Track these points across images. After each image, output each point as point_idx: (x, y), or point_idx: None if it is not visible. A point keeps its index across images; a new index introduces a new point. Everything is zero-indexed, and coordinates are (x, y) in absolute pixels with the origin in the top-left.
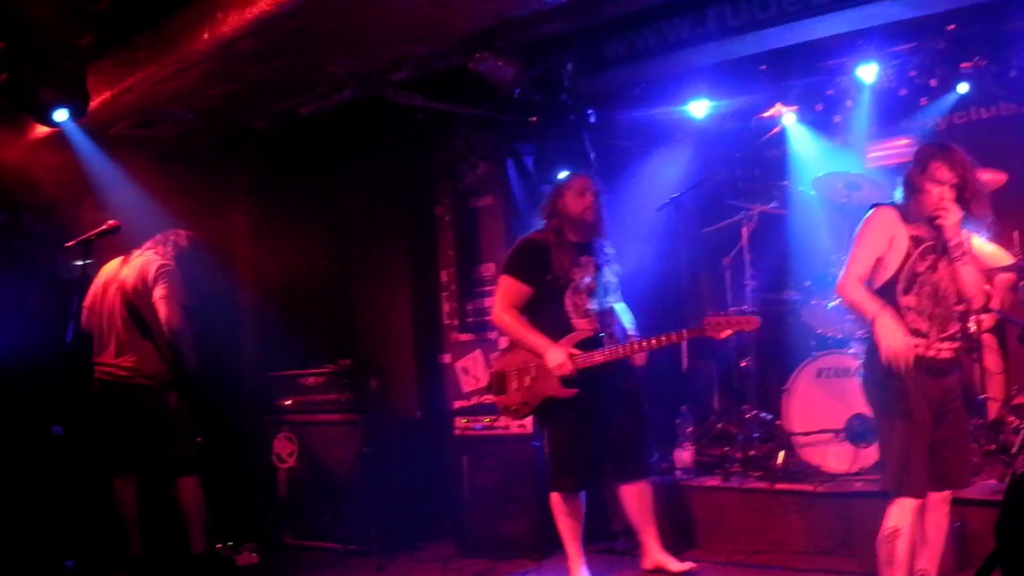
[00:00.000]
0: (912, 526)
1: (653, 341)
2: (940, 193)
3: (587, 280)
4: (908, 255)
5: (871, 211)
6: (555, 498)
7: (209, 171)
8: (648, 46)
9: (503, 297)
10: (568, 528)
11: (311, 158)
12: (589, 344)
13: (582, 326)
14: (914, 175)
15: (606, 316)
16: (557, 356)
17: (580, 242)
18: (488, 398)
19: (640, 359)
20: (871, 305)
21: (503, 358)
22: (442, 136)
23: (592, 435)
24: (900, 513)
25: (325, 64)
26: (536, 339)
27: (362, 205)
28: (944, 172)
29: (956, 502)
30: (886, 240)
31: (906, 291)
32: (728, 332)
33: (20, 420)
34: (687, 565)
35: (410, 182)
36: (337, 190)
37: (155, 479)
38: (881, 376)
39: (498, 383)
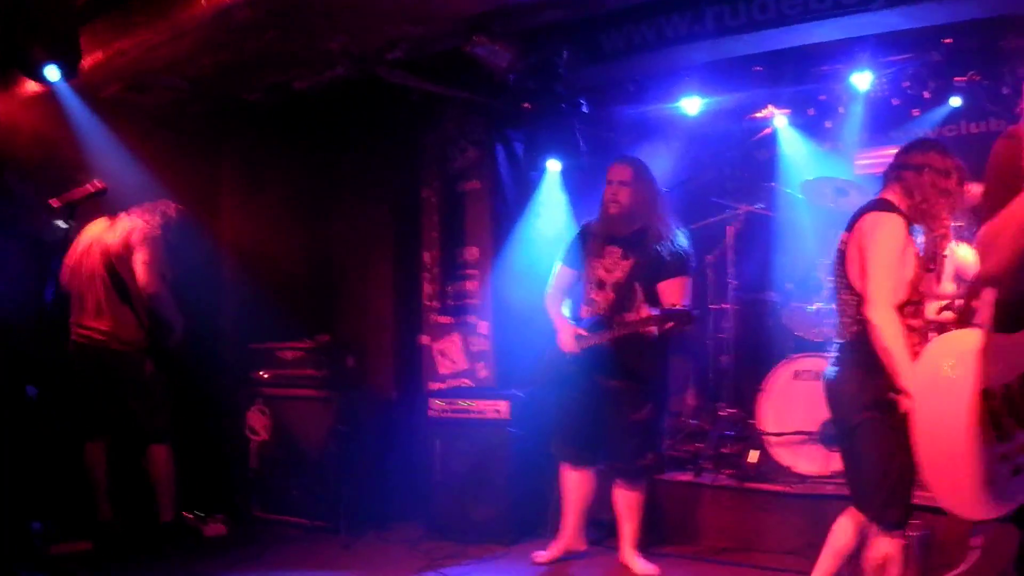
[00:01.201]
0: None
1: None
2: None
3: (600, 272)
4: (917, 273)
5: (885, 214)
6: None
7: (199, 140)
8: (645, 40)
9: (552, 280)
10: (563, 499)
11: (302, 133)
12: (596, 327)
13: (583, 313)
14: (937, 180)
15: (607, 309)
16: (563, 335)
17: (615, 232)
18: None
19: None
20: (907, 369)
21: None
22: (433, 118)
23: (581, 416)
24: (890, 544)
25: (321, 39)
26: (556, 319)
27: (350, 182)
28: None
29: (923, 509)
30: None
31: (915, 314)
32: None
33: None
34: (651, 570)
35: (399, 162)
36: (326, 166)
37: (126, 446)
38: (882, 396)
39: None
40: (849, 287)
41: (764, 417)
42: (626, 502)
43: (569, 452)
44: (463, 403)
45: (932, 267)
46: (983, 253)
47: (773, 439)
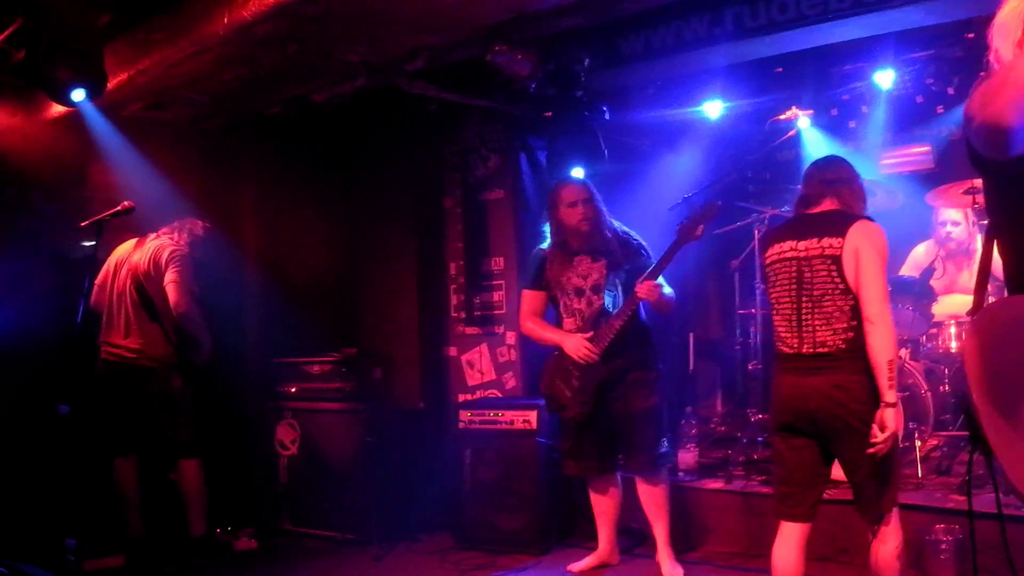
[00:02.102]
0: None
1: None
2: None
3: (575, 280)
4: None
5: (874, 224)
6: None
7: (220, 155)
8: (664, 44)
9: (522, 308)
10: (594, 511)
11: (322, 145)
12: (596, 328)
13: (568, 325)
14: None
15: (594, 313)
16: (571, 344)
17: (589, 249)
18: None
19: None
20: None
21: (543, 375)
22: (454, 128)
23: (592, 424)
24: (898, 526)
25: (341, 51)
26: (553, 335)
27: (371, 194)
28: None
29: (959, 514)
30: None
31: None
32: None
33: (23, 399)
34: (678, 573)
35: (420, 173)
36: (347, 178)
37: (156, 461)
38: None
39: (551, 399)
40: (847, 291)
41: None
42: (651, 499)
43: (589, 467)
44: (491, 414)
45: None
46: (983, 103)
47: None
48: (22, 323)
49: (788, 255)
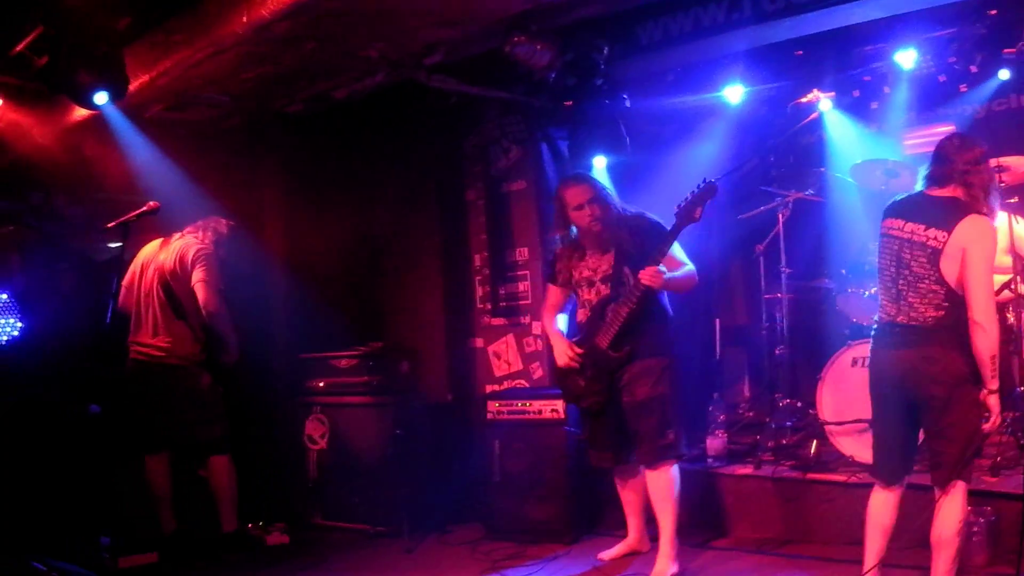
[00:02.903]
0: None
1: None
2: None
3: (586, 272)
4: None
5: (986, 219)
6: None
7: (242, 154)
8: (683, 30)
9: (544, 302)
10: (622, 501)
11: (344, 141)
12: (593, 329)
13: (581, 316)
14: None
15: (601, 303)
16: (556, 349)
17: (596, 243)
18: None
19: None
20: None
21: (557, 366)
22: (474, 120)
23: (607, 414)
24: (965, 497)
25: (359, 47)
26: (550, 334)
27: (394, 188)
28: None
29: (991, 496)
30: None
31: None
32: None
33: (57, 398)
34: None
35: (442, 166)
36: (369, 173)
37: (187, 458)
38: (971, 371)
39: (567, 389)
40: (940, 281)
41: (823, 406)
42: (655, 490)
43: (606, 457)
44: (519, 404)
45: None
46: None
47: (833, 428)
48: (52, 325)
49: (894, 233)
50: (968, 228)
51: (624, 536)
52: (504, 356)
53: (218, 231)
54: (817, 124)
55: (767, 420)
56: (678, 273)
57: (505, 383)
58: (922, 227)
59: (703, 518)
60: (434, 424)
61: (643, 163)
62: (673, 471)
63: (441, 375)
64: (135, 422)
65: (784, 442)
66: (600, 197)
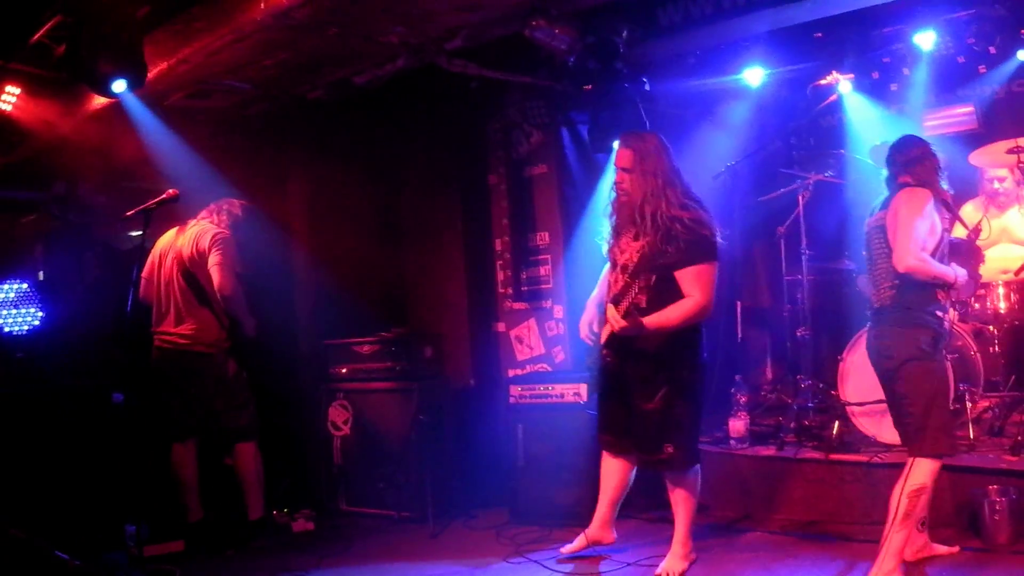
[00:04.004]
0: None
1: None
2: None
3: (615, 253)
4: (941, 239)
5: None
6: None
7: (264, 141)
8: (703, 13)
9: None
10: (600, 486)
11: (365, 127)
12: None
13: (607, 296)
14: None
15: (617, 293)
16: (582, 321)
17: (630, 215)
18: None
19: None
20: (948, 268)
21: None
22: (496, 105)
23: (614, 403)
24: (930, 471)
25: (380, 33)
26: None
27: (416, 173)
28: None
29: (1012, 474)
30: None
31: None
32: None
33: (81, 387)
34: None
35: (464, 150)
36: (392, 159)
37: (213, 446)
38: (928, 345)
39: (594, 339)
40: (890, 253)
41: (845, 387)
42: (672, 496)
43: (604, 440)
44: (542, 388)
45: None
46: None
47: (856, 409)
48: (75, 314)
49: (870, 224)
50: (900, 197)
51: (652, 520)
52: (526, 340)
53: (233, 213)
54: (837, 106)
55: (789, 402)
56: (665, 319)
57: (527, 367)
58: (878, 214)
59: (726, 499)
60: (457, 409)
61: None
62: (688, 476)
63: (464, 360)
64: (161, 410)
65: (806, 423)
66: (636, 170)
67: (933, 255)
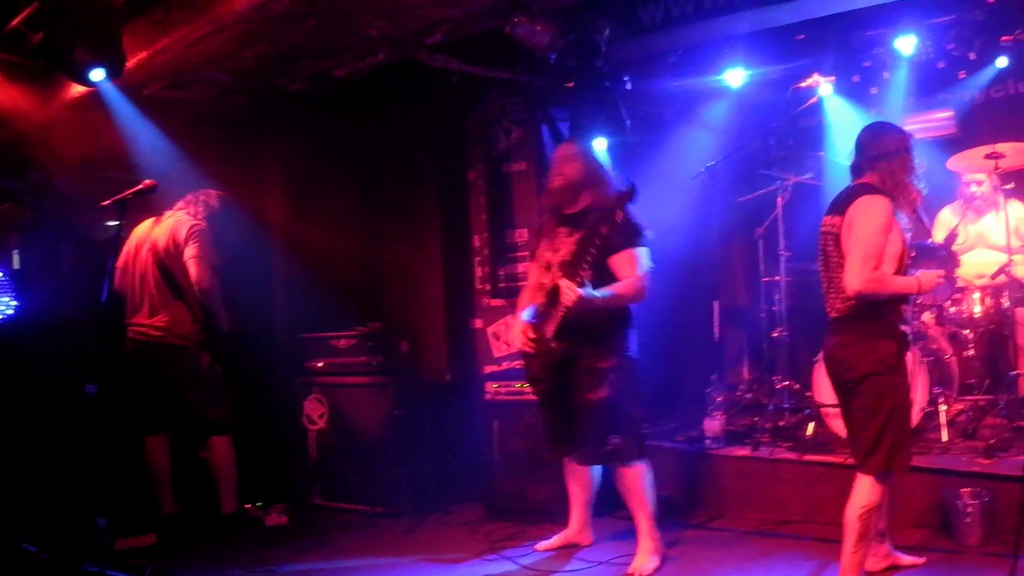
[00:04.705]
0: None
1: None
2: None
3: (548, 254)
4: (903, 250)
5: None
6: None
7: (243, 133)
8: (684, 12)
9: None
10: (567, 490)
11: (344, 120)
12: (544, 317)
13: (537, 300)
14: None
15: (552, 295)
16: (513, 332)
17: (568, 213)
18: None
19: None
20: (909, 280)
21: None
22: (476, 100)
23: (554, 411)
24: (877, 490)
25: (360, 26)
26: (516, 319)
27: (395, 168)
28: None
29: (985, 477)
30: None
31: None
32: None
33: (53, 378)
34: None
35: (443, 146)
36: (370, 153)
37: (187, 439)
38: (892, 359)
39: (527, 371)
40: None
41: (820, 388)
42: (625, 490)
43: (550, 449)
44: (517, 385)
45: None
46: None
47: (830, 410)
48: (52, 304)
49: (822, 229)
50: (857, 206)
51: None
52: (503, 337)
53: (210, 204)
54: (817, 108)
55: (765, 402)
56: (610, 293)
57: (504, 364)
58: (831, 217)
59: (701, 499)
60: (434, 405)
61: (643, 145)
62: (635, 471)
63: (441, 356)
64: (134, 403)
65: (781, 424)
66: (578, 162)
67: (897, 265)
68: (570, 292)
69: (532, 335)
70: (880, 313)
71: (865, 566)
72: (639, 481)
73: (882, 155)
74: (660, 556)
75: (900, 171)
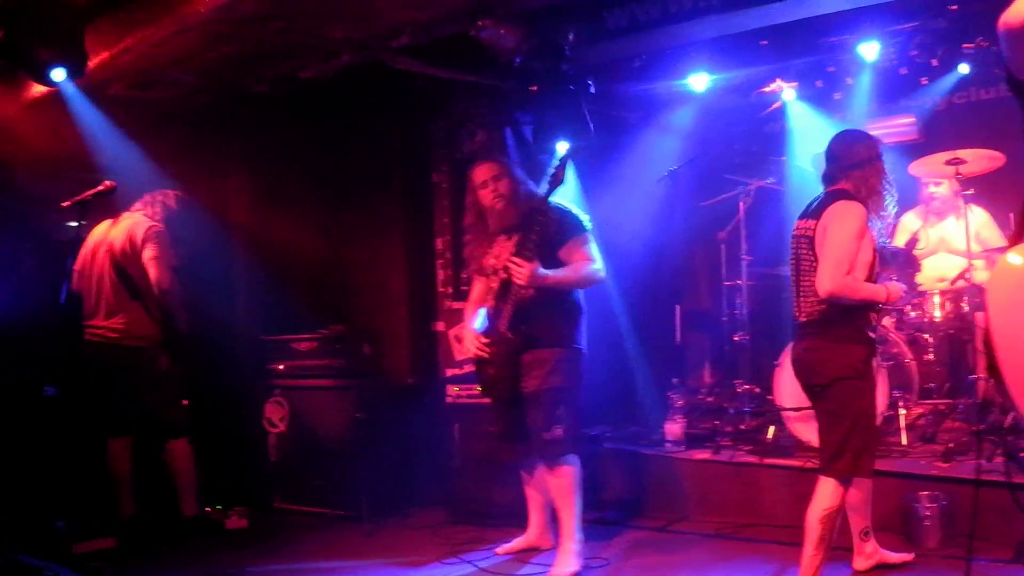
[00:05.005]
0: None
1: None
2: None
3: (491, 260)
4: (873, 256)
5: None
6: None
7: (207, 134)
8: (649, 17)
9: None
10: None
11: (310, 122)
12: (495, 315)
13: (488, 306)
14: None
15: (505, 290)
16: (465, 341)
17: (505, 225)
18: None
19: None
20: (878, 288)
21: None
22: (441, 103)
23: (505, 410)
24: (839, 494)
25: (325, 28)
26: (464, 330)
27: (360, 170)
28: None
29: (943, 480)
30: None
31: None
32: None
33: (11, 380)
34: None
35: (408, 149)
36: (335, 155)
37: (147, 442)
38: (861, 365)
39: (480, 381)
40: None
41: (781, 392)
42: (554, 488)
43: (503, 449)
44: (479, 388)
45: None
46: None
47: (790, 414)
48: (11, 305)
49: (795, 233)
50: (832, 211)
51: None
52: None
53: (167, 205)
54: (780, 113)
55: (727, 406)
56: (562, 272)
57: (466, 367)
58: (805, 221)
59: (662, 502)
60: (396, 407)
61: (608, 148)
62: (570, 468)
63: (403, 358)
64: (95, 405)
65: (742, 427)
66: (507, 175)
67: (868, 272)
68: (520, 269)
69: (484, 339)
70: (850, 319)
71: (854, 566)
72: (570, 478)
73: (855, 164)
74: (582, 559)
75: (874, 179)
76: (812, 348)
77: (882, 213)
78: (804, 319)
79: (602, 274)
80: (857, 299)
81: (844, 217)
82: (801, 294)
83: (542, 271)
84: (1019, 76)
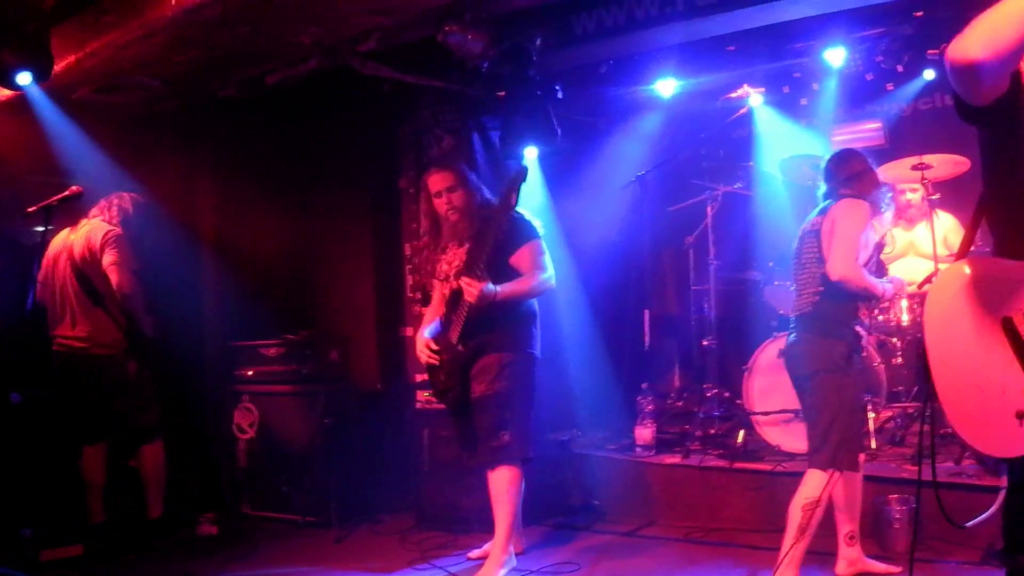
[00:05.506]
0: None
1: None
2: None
3: (443, 267)
4: (872, 254)
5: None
6: None
7: (174, 138)
8: (616, 23)
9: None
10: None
11: (277, 127)
12: (447, 324)
13: (441, 311)
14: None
15: (456, 299)
16: (417, 347)
17: (460, 237)
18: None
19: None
20: (880, 283)
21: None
22: (408, 108)
23: (462, 419)
24: (823, 484)
25: (292, 33)
26: (417, 336)
27: (327, 175)
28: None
29: (913, 484)
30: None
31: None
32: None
33: None
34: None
35: (376, 153)
36: (303, 160)
37: (117, 447)
38: (840, 359)
39: (432, 386)
40: (820, 260)
41: (750, 396)
42: (493, 491)
43: (465, 457)
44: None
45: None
46: (954, 43)
47: (760, 418)
48: None
49: (804, 228)
50: (840, 206)
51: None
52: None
53: (123, 208)
54: (747, 119)
55: (696, 410)
56: (513, 285)
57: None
58: (813, 219)
59: (631, 507)
60: (364, 413)
61: (575, 153)
62: (510, 473)
63: (371, 364)
64: (68, 414)
65: (712, 432)
66: (463, 186)
67: (865, 267)
68: (471, 288)
69: (435, 347)
70: (837, 313)
71: (836, 570)
72: (511, 484)
73: (852, 176)
74: (508, 569)
75: (871, 186)
76: (799, 341)
77: (879, 215)
78: (796, 313)
79: (552, 282)
80: (862, 287)
81: (852, 212)
82: (799, 287)
83: (491, 288)
84: (970, 103)
